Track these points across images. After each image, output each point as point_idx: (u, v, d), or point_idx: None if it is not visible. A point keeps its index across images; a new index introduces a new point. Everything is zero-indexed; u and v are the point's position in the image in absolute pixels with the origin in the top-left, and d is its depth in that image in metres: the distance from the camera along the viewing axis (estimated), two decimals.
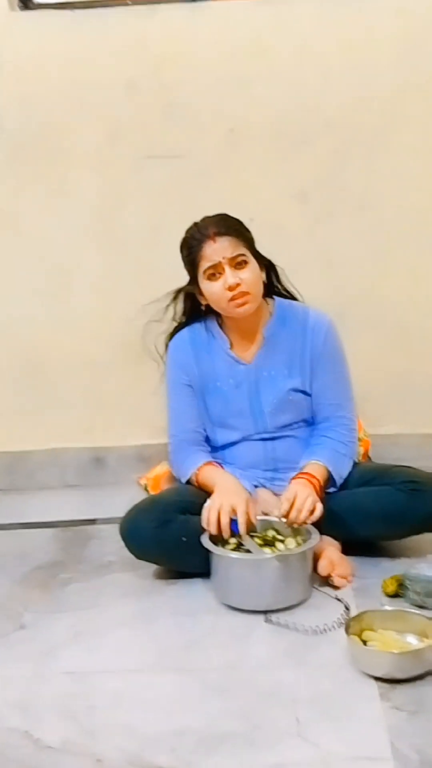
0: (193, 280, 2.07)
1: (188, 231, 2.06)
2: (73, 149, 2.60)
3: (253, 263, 2.02)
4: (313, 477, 1.98)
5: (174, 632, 1.79)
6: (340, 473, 2.05)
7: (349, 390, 2.15)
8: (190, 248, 2.03)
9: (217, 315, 2.14)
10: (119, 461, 2.76)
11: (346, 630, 1.64)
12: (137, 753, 1.39)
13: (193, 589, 1.96)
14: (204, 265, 2.00)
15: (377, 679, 1.55)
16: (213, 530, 1.88)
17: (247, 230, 2.05)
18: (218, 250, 1.98)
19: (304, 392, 2.11)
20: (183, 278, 2.50)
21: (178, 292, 2.16)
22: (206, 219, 2.04)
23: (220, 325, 2.15)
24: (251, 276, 2.00)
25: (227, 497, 1.91)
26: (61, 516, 2.50)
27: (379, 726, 1.42)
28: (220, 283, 1.99)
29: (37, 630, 1.83)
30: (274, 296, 2.16)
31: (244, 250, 2.01)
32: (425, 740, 1.38)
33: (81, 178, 2.62)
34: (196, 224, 2.05)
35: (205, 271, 2.00)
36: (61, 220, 2.65)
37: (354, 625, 1.66)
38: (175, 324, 2.20)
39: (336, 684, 1.56)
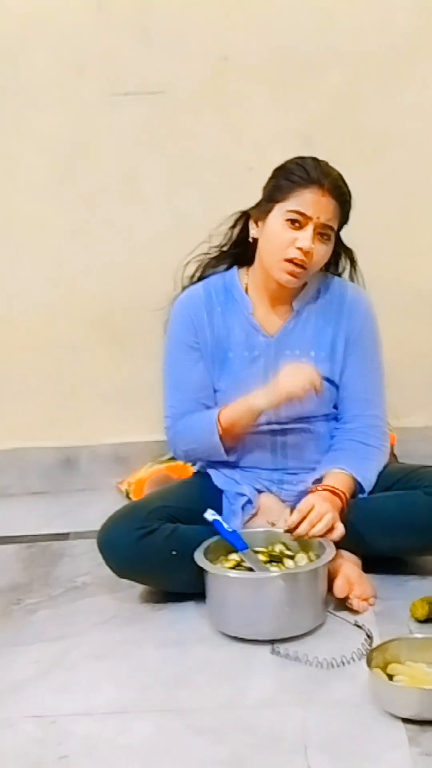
0: (264, 207, 2.07)
1: (303, 160, 2.05)
2: (30, 82, 2.62)
3: (331, 245, 2.07)
4: (338, 491, 1.99)
5: (159, 666, 1.80)
6: (369, 479, 2.07)
7: (383, 385, 2.18)
8: (291, 176, 2.03)
9: (243, 263, 2.16)
10: (93, 463, 2.79)
11: (368, 662, 1.64)
12: None
13: (184, 615, 1.97)
14: (293, 206, 2.00)
15: (405, 720, 1.55)
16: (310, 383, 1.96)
17: (349, 212, 2.08)
18: (320, 206, 2.00)
19: (331, 381, 2.13)
20: (164, 238, 2.51)
21: (244, 213, 2.16)
22: (329, 168, 2.05)
23: (245, 286, 2.16)
24: (322, 256, 2.05)
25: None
26: (25, 529, 2.51)
27: None
28: (293, 235, 2.00)
29: None
30: None
31: (335, 227, 2.05)
32: None
33: (41, 117, 2.63)
34: (316, 162, 2.05)
35: (288, 211, 2.01)
36: (15, 169, 2.66)
37: (377, 657, 1.66)
38: (219, 251, 2.20)
39: (355, 726, 1.56)
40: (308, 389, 1.97)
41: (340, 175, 2.05)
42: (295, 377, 1.97)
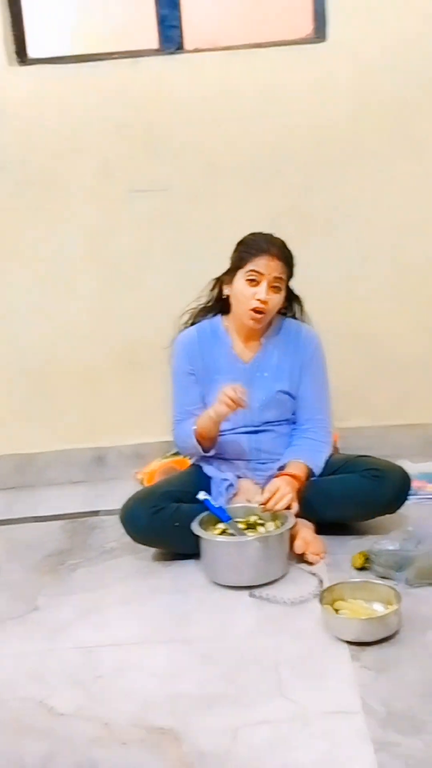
0: (231, 272, 2.09)
1: (255, 235, 2.08)
2: (69, 184, 2.62)
3: (282, 293, 2.08)
4: (296, 476, 2.00)
5: (169, 608, 1.81)
6: (318, 466, 2.08)
7: (328, 397, 2.19)
8: (249, 248, 2.05)
9: (224, 312, 2.17)
10: (118, 459, 2.76)
11: (320, 600, 1.65)
12: (140, 716, 1.41)
13: (185, 570, 1.97)
14: (250, 267, 2.02)
15: (348, 642, 1.57)
16: (233, 401, 1.94)
17: (293, 268, 2.09)
18: (271, 267, 2.02)
19: (289, 394, 2.14)
20: (170, 294, 2.52)
21: (218, 279, 2.16)
22: (274, 238, 2.06)
23: (226, 328, 2.17)
24: (276, 302, 2.06)
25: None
26: (68, 509, 2.50)
27: (351, 684, 1.44)
28: (254, 290, 2.02)
29: (49, 610, 1.84)
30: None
31: (285, 279, 2.06)
32: (391, 695, 1.41)
33: (77, 209, 2.63)
34: (264, 235, 2.07)
35: (248, 272, 2.02)
36: (60, 246, 2.66)
37: (327, 596, 1.67)
38: (204, 306, 2.20)
39: (312, 648, 1.58)
40: (233, 404, 1.96)
41: (283, 243, 2.07)
42: (223, 397, 1.96)
